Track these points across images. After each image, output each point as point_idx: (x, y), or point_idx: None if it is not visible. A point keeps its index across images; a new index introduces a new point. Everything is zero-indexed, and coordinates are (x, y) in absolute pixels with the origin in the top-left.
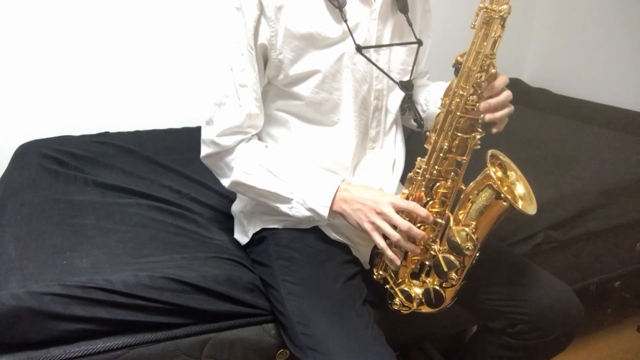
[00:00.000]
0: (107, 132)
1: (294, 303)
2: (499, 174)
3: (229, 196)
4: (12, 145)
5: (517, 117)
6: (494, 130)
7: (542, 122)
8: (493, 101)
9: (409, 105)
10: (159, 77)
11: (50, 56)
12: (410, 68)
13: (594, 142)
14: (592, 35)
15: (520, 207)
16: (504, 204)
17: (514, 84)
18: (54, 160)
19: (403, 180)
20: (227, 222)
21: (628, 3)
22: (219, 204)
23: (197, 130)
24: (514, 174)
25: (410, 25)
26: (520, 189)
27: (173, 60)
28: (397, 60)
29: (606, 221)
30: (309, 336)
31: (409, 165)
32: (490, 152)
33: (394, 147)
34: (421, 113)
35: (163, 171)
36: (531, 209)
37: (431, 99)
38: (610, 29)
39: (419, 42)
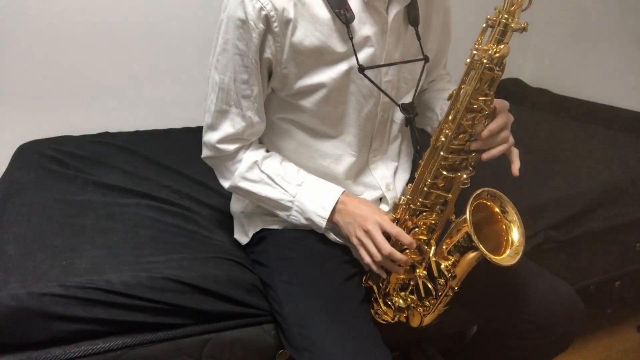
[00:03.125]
0: (107, 132)
1: (291, 304)
2: (497, 209)
3: (229, 196)
4: (12, 145)
5: (517, 117)
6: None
7: (542, 122)
8: (486, 143)
9: (409, 125)
10: (159, 77)
11: (50, 56)
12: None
13: (594, 142)
14: (592, 36)
15: (495, 257)
16: (476, 252)
17: (514, 84)
18: (54, 160)
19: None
20: (227, 222)
21: (628, 3)
22: (219, 204)
23: (197, 130)
24: (512, 212)
25: (419, 39)
26: (515, 234)
27: (173, 60)
28: (406, 70)
29: (606, 221)
30: (305, 337)
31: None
32: (477, 192)
33: (397, 156)
34: (437, 123)
35: (163, 171)
36: (510, 259)
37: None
38: (610, 29)
39: (426, 59)
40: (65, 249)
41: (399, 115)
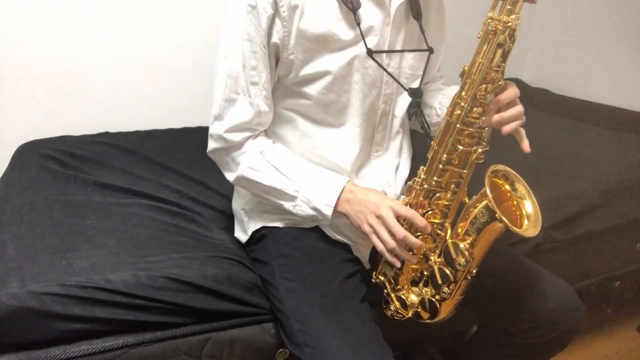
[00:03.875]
0: (107, 132)
1: (291, 300)
2: (507, 187)
3: (229, 196)
4: (12, 145)
5: None
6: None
7: (542, 122)
8: (504, 115)
9: (415, 110)
10: (159, 77)
11: (50, 56)
12: (419, 73)
13: (594, 142)
14: (591, 35)
15: (518, 229)
16: (500, 225)
17: None
18: (54, 160)
19: None
20: (227, 222)
21: (627, 3)
22: (219, 204)
23: (197, 131)
24: (523, 189)
25: (423, 32)
26: (529, 206)
27: (173, 60)
28: (406, 65)
29: (606, 221)
30: (306, 333)
31: (415, 170)
32: (492, 167)
33: (398, 152)
34: (436, 117)
35: (163, 171)
36: (532, 230)
37: (446, 103)
38: (610, 28)
39: (430, 50)
40: (65, 248)
41: (400, 110)
